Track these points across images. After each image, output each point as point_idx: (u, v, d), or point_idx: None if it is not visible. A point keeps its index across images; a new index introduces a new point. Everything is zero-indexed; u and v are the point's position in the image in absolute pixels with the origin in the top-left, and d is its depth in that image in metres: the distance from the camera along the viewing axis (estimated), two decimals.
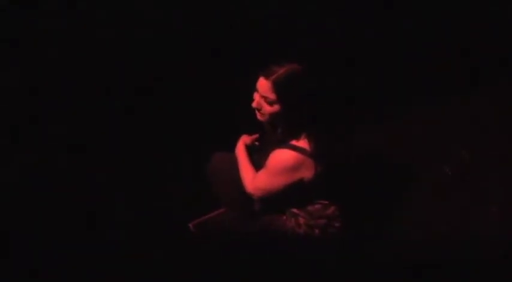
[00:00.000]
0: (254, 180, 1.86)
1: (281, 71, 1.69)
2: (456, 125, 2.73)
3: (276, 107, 1.74)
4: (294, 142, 1.74)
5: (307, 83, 1.70)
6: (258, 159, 1.93)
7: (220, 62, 2.66)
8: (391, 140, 2.70)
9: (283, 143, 1.76)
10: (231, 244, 2.05)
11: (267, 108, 1.76)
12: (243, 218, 1.99)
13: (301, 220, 1.90)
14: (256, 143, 2.05)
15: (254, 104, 1.78)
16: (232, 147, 2.05)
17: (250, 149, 2.00)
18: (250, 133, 2.07)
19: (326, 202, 1.88)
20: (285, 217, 1.93)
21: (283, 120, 1.75)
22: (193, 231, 2.25)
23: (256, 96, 1.78)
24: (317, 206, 1.88)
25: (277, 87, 1.69)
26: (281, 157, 1.74)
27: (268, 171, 1.79)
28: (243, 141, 2.03)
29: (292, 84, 1.69)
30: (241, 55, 2.53)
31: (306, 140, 1.73)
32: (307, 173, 1.74)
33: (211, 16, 2.63)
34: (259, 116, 1.81)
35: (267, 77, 1.71)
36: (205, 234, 2.22)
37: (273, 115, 1.76)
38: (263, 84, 1.72)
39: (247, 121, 1.93)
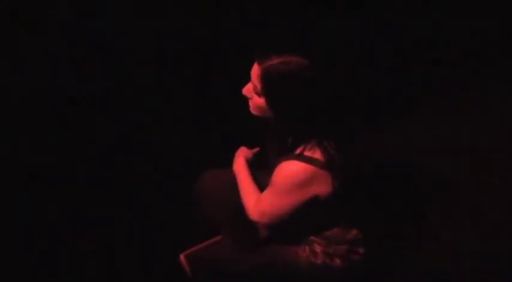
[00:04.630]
0: (258, 204, 1.65)
1: (277, 60, 1.51)
2: (468, 129, 2.78)
3: (262, 100, 1.57)
4: (302, 151, 1.53)
5: (302, 80, 1.50)
6: (261, 178, 1.73)
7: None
8: (397, 148, 2.70)
9: (289, 153, 1.55)
10: (231, 280, 1.90)
11: (254, 99, 1.60)
12: (245, 248, 1.81)
13: (318, 248, 1.72)
14: (258, 157, 1.86)
15: (243, 90, 1.62)
16: (227, 162, 1.84)
17: (251, 165, 1.80)
18: (249, 146, 1.89)
19: (346, 225, 1.71)
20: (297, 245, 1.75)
21: (274, 118, 1.59)
22: (185, 263, 2.10)
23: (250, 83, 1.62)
24: (336, 230, 1.70)
25: (265, 76, 1.52)
26: (289, 170, 1.54)
27: (274, 190, 1.58)
28: (243, 155, 1.82)
29: (282, 77, 1.50)
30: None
31: (318, 149, 1.52)
32: (322, 188, 1.54)
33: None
34: (250, 108, 1.65)
35: (260, 63, 1.53)
36: (199, 267, 2.08)
37: (260, 109, 1.59)
38: (255, 70, 1.55)
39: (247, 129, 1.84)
